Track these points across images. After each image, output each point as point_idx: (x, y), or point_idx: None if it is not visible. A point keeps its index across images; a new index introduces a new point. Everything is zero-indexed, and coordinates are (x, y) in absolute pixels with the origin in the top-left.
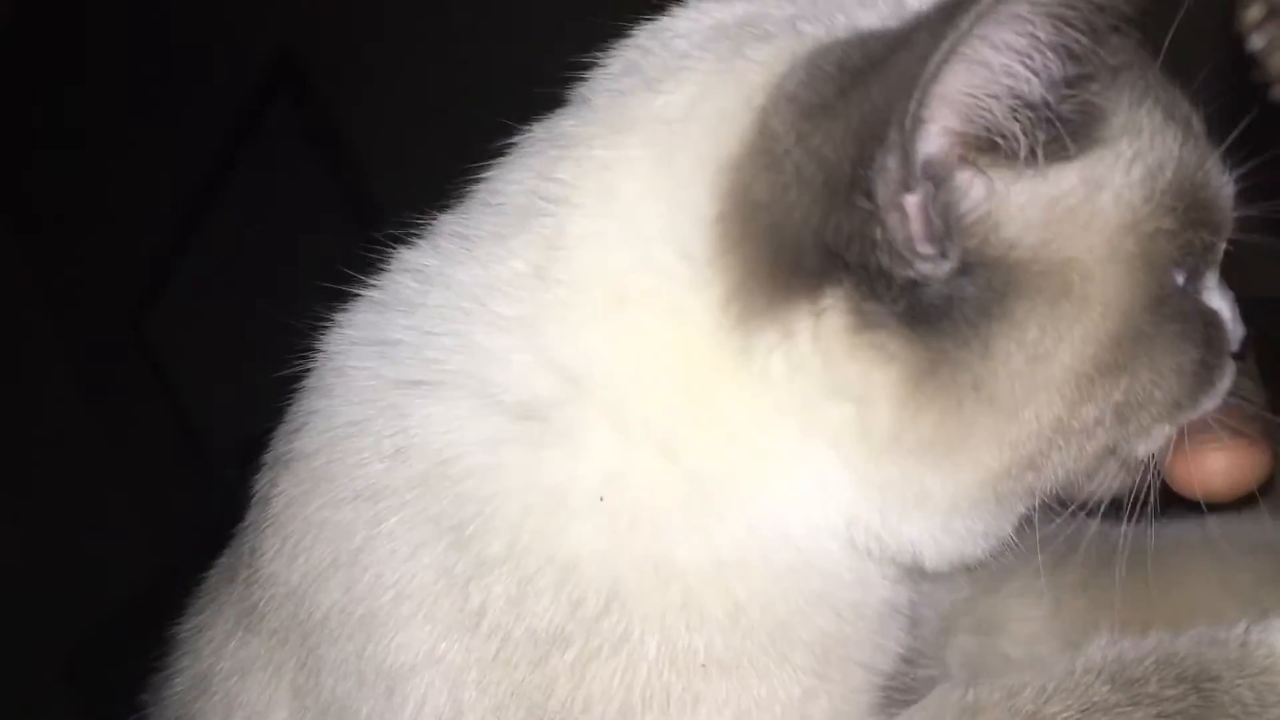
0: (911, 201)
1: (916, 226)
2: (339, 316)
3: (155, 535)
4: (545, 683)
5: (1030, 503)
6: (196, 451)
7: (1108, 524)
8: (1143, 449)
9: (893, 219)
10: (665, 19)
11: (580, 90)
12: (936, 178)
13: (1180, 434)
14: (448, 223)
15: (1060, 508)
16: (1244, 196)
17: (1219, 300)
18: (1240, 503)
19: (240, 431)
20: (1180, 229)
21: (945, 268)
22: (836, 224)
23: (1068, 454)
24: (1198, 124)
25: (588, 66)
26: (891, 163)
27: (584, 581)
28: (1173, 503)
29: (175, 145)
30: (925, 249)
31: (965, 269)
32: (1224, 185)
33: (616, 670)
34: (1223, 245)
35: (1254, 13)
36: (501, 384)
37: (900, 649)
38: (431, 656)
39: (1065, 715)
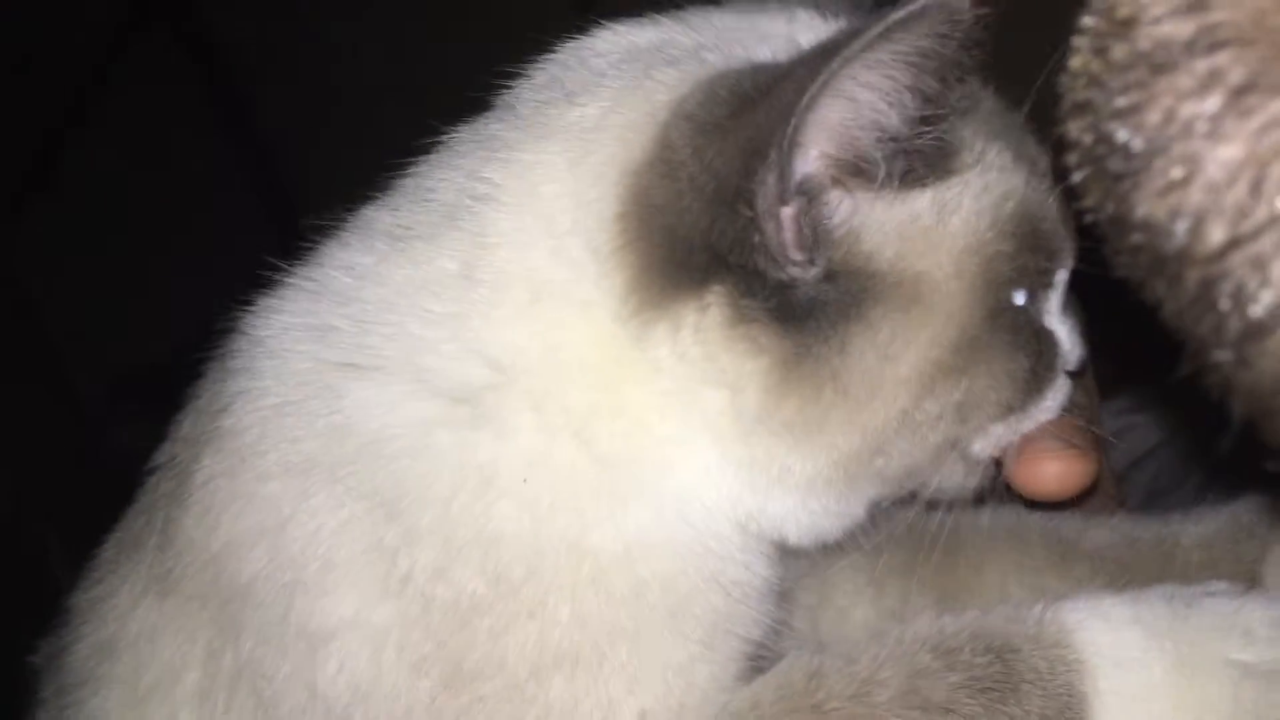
0: (786, 213)
1: (789, 235)
2: (266, 302)
3: (16, 471)
4: (464, 645)
5: (880, 489)
6: (62, 385)
7: (926, 513)
8: (980, 447)
9: (769, 227)
10: (586, 38)
11: (506, 98)
12: (810, 194)
13: (1021, 441)
14: (378, 218)
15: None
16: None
17: (1058, 324)
18: (1068, 504)
19: (111, 369)
20: (1019, 254)
21: (812, 273)
22: (721, 228)
23: (912, 443)
24: (1043, 164)
25: (512, 76)
26: (771, 178)
27: (507, 556)
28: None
29: (42, 65)
30: (796, 255)
31: (830, 276)
32: (1062, 216)
33: (531, 635)
34: (1062, 273)
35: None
36: (435, 370)
37: (771, 622)
38: (355, 621)
39: (895, 680)
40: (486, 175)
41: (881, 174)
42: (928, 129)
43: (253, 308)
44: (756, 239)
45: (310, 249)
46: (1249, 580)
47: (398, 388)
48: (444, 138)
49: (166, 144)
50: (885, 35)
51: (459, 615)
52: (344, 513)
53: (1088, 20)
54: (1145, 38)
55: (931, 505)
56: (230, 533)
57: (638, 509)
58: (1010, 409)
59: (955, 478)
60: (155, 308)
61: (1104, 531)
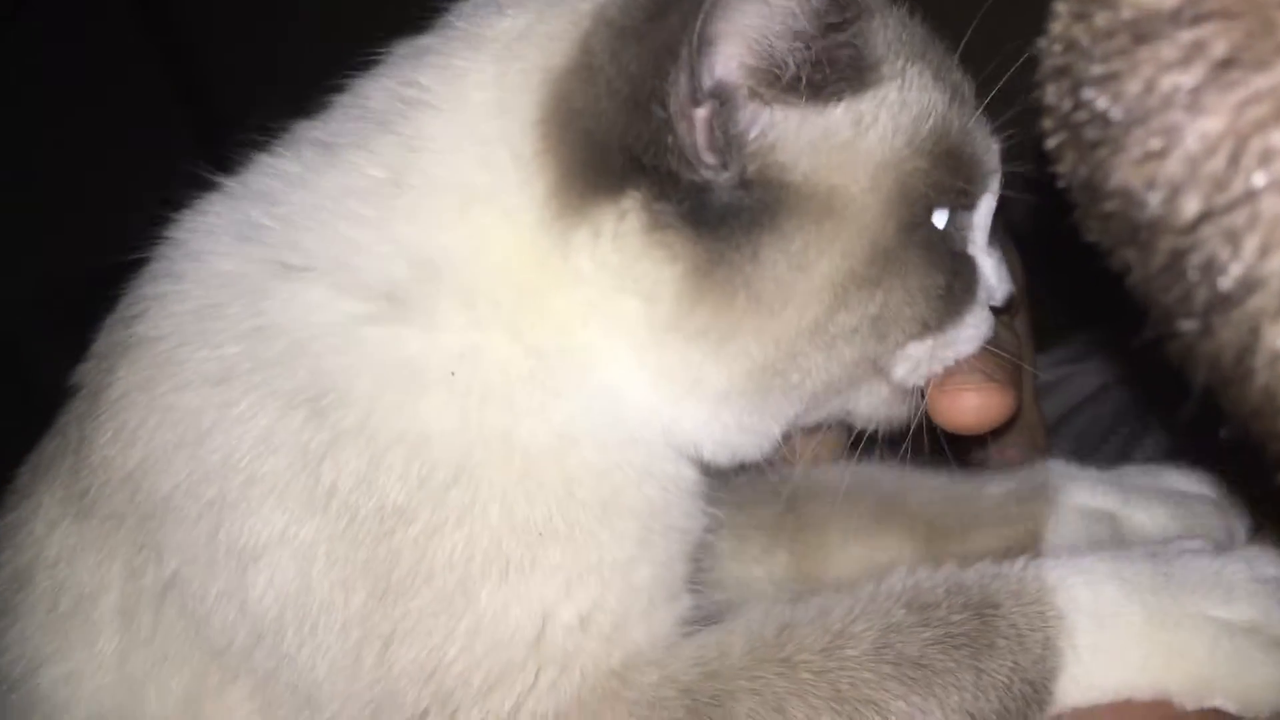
0: (699, 114)
1: (702, 137)
2: (192, 207)
3: None
4: (390, 557)
5: (798, 406)
6: None
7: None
8: (903, 373)
9: (682, 127)
10: None
11: (446, 16)
12: (723, 98)
13: (944, 374)
14: (309, 130)
15: (851, 448)
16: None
17: (982, 255)
18: (989, 435)
19: (27, 295)
20: (936, 172)
21: (725, 176)
22: (636, 130)
23: (828, 357)
24: (967, 91)
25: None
26: (682, 78)
27: (433, 455)
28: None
29: None
30: (709, 158)
31: (745, 184)
32: (986, 144)
33: (459, 542)
34: (984, 197)
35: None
36: (362, 269)
37: (707, 518)
38: (283, 537)
39: (868, 634)
40: (419, 80)
41: (795, 81)
42: (839, 34)
43: (181, 215)
44: (670, 140)
45: (240, 161)
46: (1034, 537)
47: (324, 286)
48: (380, 54)
49: (80, 57)
50: None
51: (384, 526)
52: (265, 420)
53: None
54: (1129, 6)
55: (861, 433)
56: (148, 447)
57: (568, 401)
58: (926, 326)
59: (880, 405)
60: (70, 230)
61: (926, 490)
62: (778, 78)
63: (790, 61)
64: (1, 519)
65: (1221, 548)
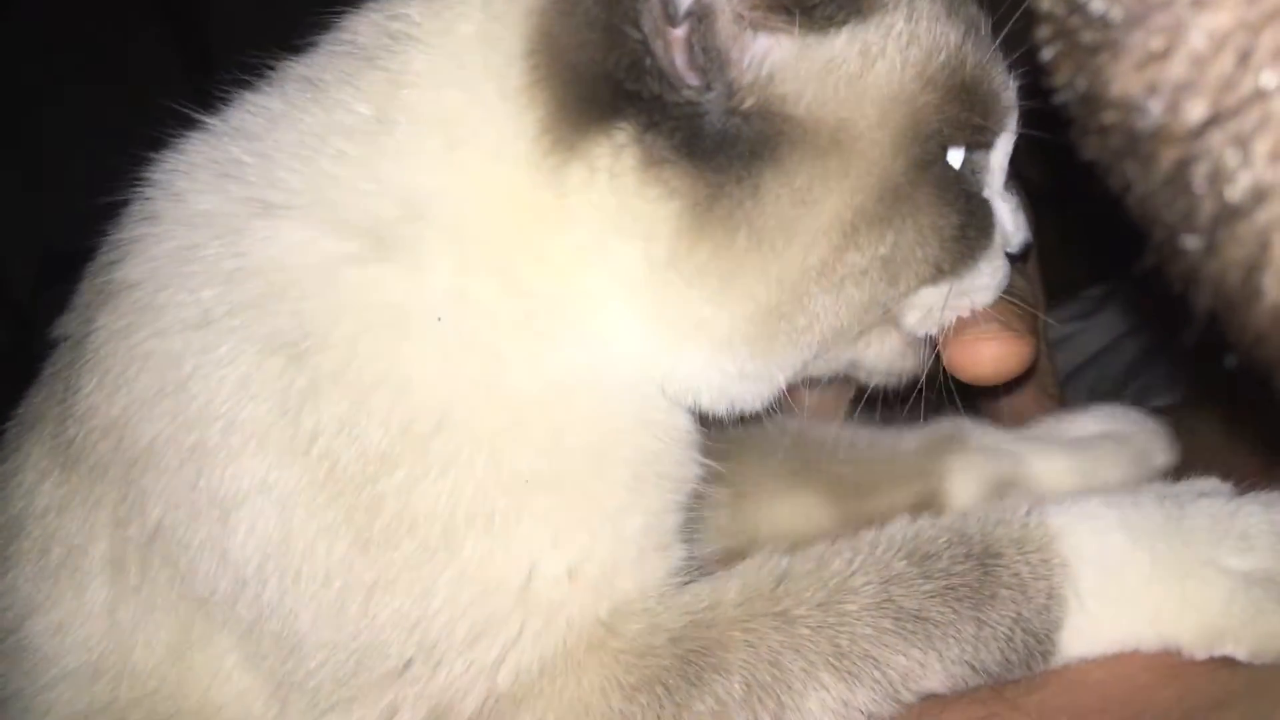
0: (676, 34)
1: (680, 56)
2: (173, 146)
3: None
4: (372, 504)
5: (803, 353)
6: None
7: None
8: (914, 321)
9: (658, 46)
10: None
11: None
12: (702, 16)
13: (958, 324)
14: (294, 68)
15: (867, 406)
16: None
17: (998, 199)
18: (1004, 388)
19: (37, 250)
20: (949, 107)
21: (710, 97)
22: (617, 56)
23: (837, 299)
24: (983, 26)
25: None
26: None
27: (416, 402)
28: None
29: None
30: (690, 77)
31: (744, 115)
32: (1003, 81)
33: (443, 491)
34: (1002, 136)
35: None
36: (345, 206)
37: (700, 469)
38: (264, 484)
39: (868, 586)
40: (405, 13)
41: (781, 4)
42: None
43: (160, 154)
44: (648, 62)
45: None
46: (937, 491)
47: (305, 225)
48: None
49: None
50: None
51: (366, 473)
52: (244, 365)
53: None
54: None
55: (864, 387)
56: (130, 395)
57: (560, 348)
58: (940, 270)
59: (889, 356)
60: (79, 188)
61: (842, 448)
62: (775, 5)
63: None
64: None
65: (1151, 488)
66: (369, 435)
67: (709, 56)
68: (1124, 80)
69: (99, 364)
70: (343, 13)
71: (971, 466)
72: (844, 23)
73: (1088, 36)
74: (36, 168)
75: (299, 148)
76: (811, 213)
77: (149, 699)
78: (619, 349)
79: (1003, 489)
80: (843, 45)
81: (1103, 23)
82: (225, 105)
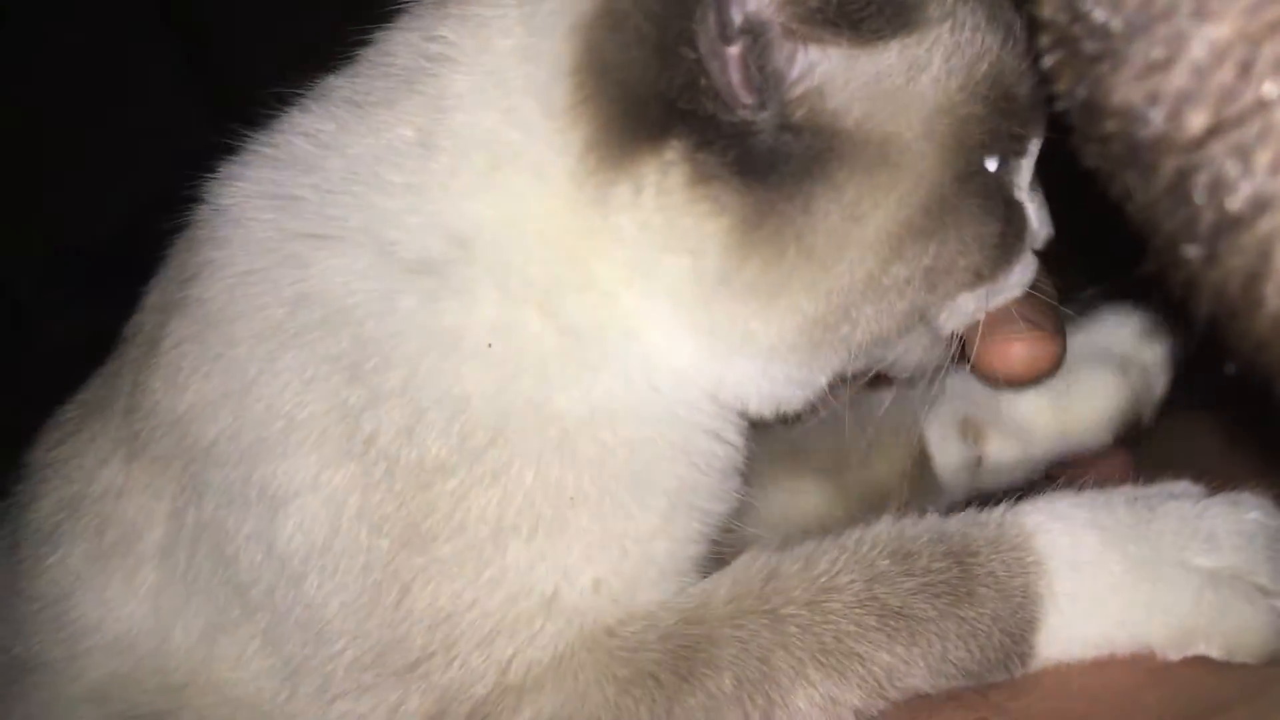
0: (731, 53)
1: (736, 75)
2: (230, 170)
3: None
4: (425, 506)
5: (845, 358)
6: None
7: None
8: (945, 320)
9: (714, 66)
10: None
11: None
12: (756, 34)
13: (986, 322)
14: (339, 87)
15: (871, 383)
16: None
17: (1027, 199)
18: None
19: (38, 255)
20: (992, 118)
21: (764, 116)
22: (670, 75)
23: (880, 308)
24: (1020, 30)
25: None
26: (710, 16)
27: (473, 418)
28: None
29: None
30: (745, 96)
31: (793, 130)
32: (1036, 85)
33: (494, 498)
34: (1034, 141)
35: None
36: (398, 242)
37: (734, 502)
38: (315, 482)
39: (853, 584)
40: (442, 34)
41: (834, 16)
42: None
43: (217, 176)
44: (703, 81)
45: (272, 117)
46: (917, 455)
47: (362, 258)
48: (407, 5)
49: (89, 25)
50: None
51: (422, 477)
52: (308, 374)
53: None
54: None
55: (883, 380)
56: (197, 394)
57: (605, 375)
58: (980, 277)
59: (917, 352)
60: (80, 188)
61: (830, 419)
62: (813, 12)
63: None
64: (50, 449)
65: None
66: (428, 443)
67: (764, 74)
68: (1125, 90)
69: (169, 366)
70: (365, 23)
71: (943, 414)
72: (891, 36)
73: (1089, 46)
74: (37, 167)
75: (349, 178)
76: (860, 227)
77: (171, 672)
78: (667, 365)
79: (976, 430)
80: (890, 58)
81: (1104, 32)
82: (273, 123)
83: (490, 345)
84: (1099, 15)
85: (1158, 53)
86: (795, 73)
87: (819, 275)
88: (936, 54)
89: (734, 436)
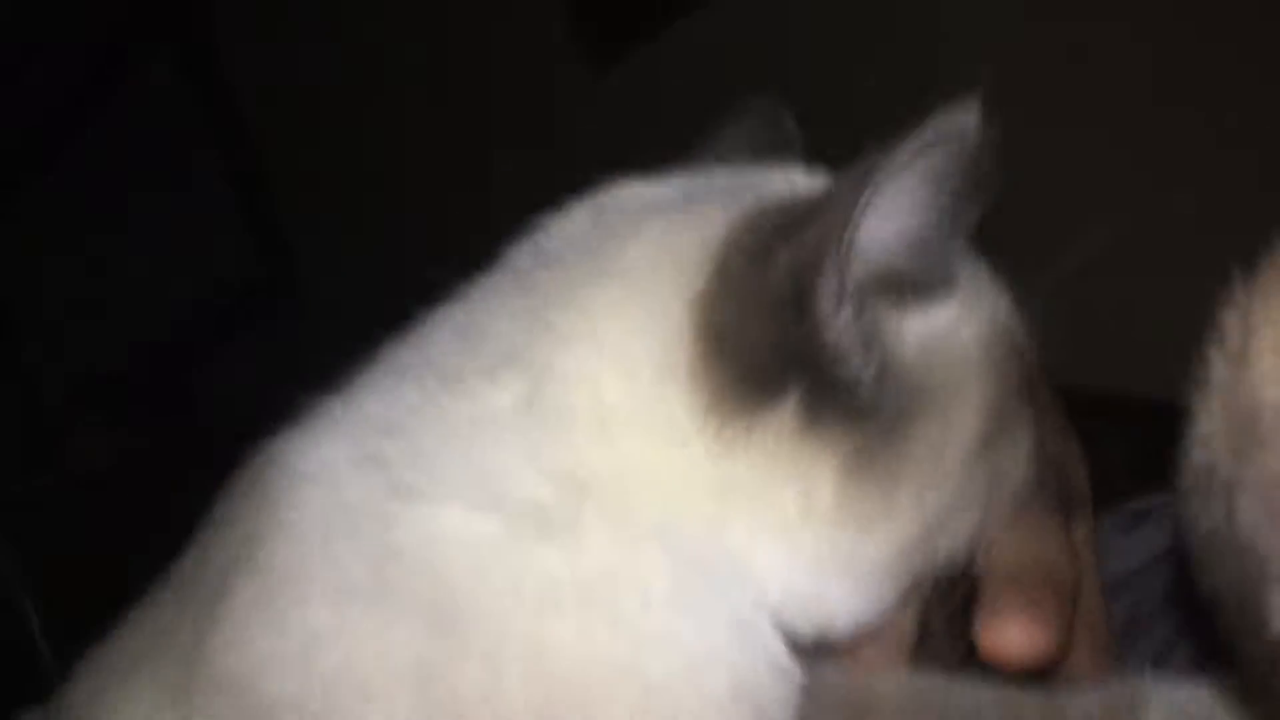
0: (844, 316)
1: (847, 337)
2: (303, 434)
3: None
4: None
5: (925, 570)
6: (19, 378)
7: None
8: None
9: (829, 330)
10: (615, 186)
11: (539, 236)
12: (862, 299)
13: (986, 592)
14: (419, 351)
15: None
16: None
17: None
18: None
19: (70, 375)
20: (1008, 356)
21: (869, 373)
22: (789, 339)
23: (961, 521)
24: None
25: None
26: (828, 287)
27: (558, 679)
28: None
29: (45, 61)
30: (855, 357)
31: (883, 379)
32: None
33: None
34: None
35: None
36: (500, 490)
37: None
38: None
39: None
40: (543, 311)
41: (913, 283)
42: (945, 245)
43: (286, 438)
44: (819, 342)
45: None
46: None
47: (456, 509)
48: (482, 278)
49: (144, 151)
50: (916, 155)
51: None
52: (387, 631)
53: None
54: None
55: (922, 630)
56: (261, 653)
57: (704, 629)
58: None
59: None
60: (115, 314)
61: (996, 712)
62: (902, 281)
63: (912, 269)
64: (87, 679)
65: None
66: (507, 703)
67: (869, 336)
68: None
69: (233, 626)
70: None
71: None
72: (948, 297)
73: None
74: (71, 293)
75: (443, 440)
76: (942, 457)
77: None
78: (760, 609)
79: None
80: (950, 314)
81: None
82: (343, 391)
83: (589, 596)
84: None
85: None
86: (888, 333)
87: (914, 504)
88: (970, 308)
89: (799, 676)
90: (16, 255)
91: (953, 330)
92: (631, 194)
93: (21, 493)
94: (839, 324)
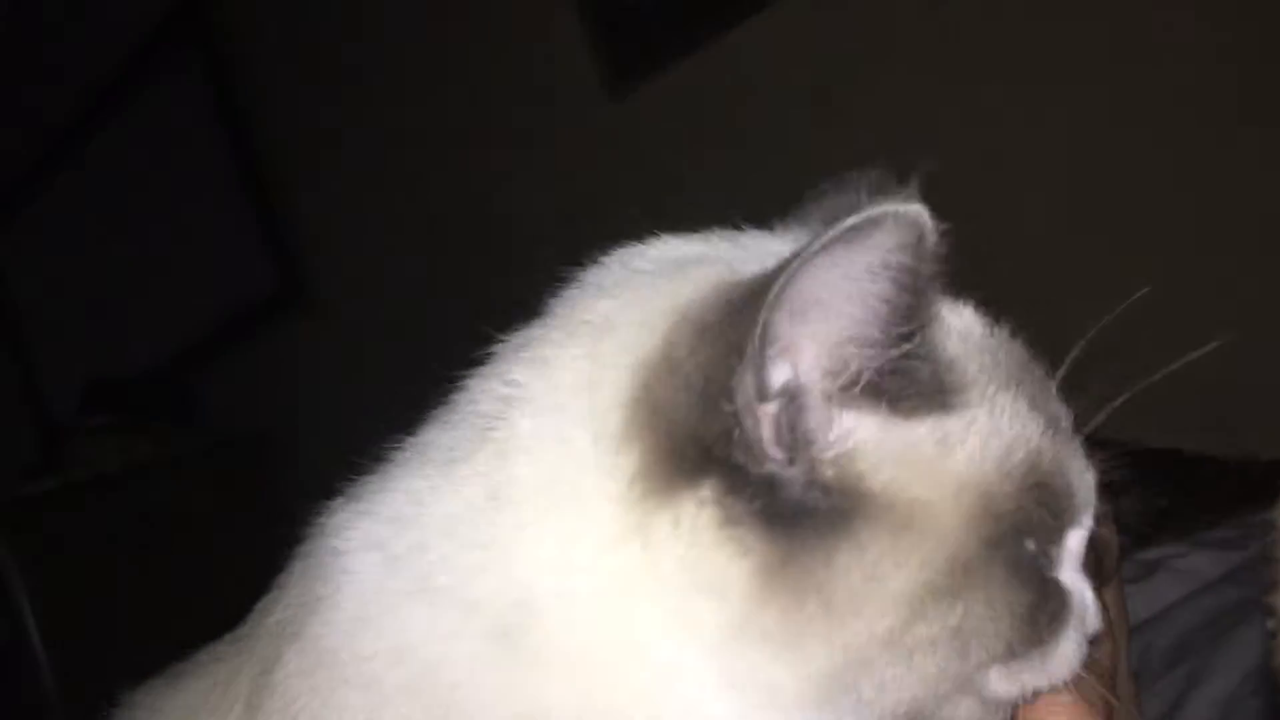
0: (766, 410)
1: (767, 431)
2: (345, 513)
3: None
4: None
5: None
6: (28, 381)
7: None
8: (998, 689)
9: (748, 422)
10: (640, 245)
11: (552, 302)
12: (793, 396)
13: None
14: (432, 440)
15: None
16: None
17: (1076, 580)
18: None
19: (80, 373)
20: (1024, 500)
21: (792, 473)
22: (709, 423)
23: (908, 669)
24: (1065, 421)
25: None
26: (748, 375)
27: None
28: None
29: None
30: (775, 452)
31: (822, 487)
32: (1082, 476)
33: None
34: (1074, 530)
35: None
36: (478, 603)
37: None
38: None
39: None
40: (514, 377)
41: (870, 388)
42: (908, 344)
43: (333, 515)
44: (736, 433)
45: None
46: None
47: (449, 618)
48: (494, 348)
49: (151, 155)
50: (842, 238)
51: None
52: None
53: None
54: None
55: None
56: None
57: None
58: (1012, 650)
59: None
60: (127, 321)
61: None
62: (852, 383)
63: (861, 368)
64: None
65: None
66: None
67: (795, 434)
68: None
69: (283, 694)
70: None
71: None
72: (928, 414)
73: None
74: (84, 300)
75: (436, 539)
76: (880, 586)
77: None
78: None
79: None
80: (925, 432)
81: None
82: (379, 470)
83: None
84: None
85: None
86: (831, 436)
87: (836, 629)
88: (973, 434)
89: None
90: (23, 258)
91: (939, 452)
92: (655, 250)
93: (24, 494)
94: (757, 417)
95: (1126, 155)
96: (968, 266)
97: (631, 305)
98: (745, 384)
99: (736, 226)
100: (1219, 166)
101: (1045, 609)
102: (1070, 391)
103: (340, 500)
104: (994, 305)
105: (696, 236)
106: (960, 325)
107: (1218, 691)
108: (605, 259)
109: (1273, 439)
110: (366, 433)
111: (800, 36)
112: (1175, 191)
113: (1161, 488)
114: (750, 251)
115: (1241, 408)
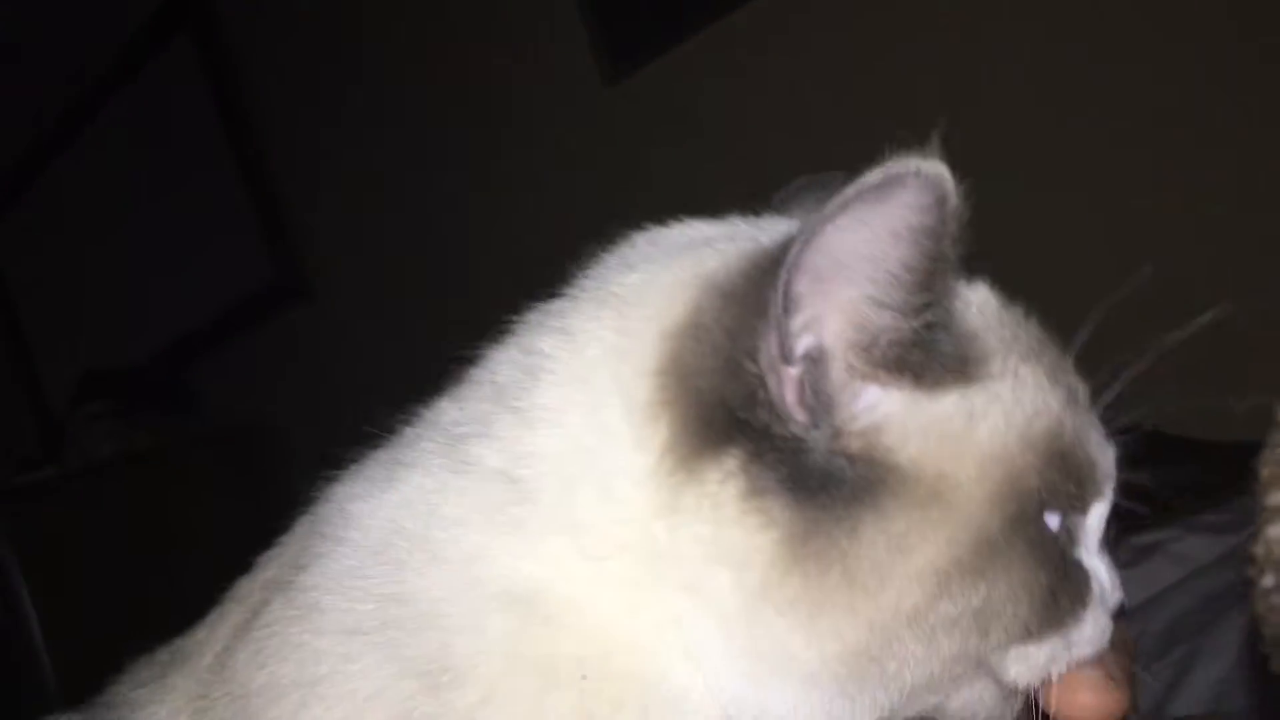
0: (790, 372)
1: (791, 393)
2: (356, 477)
3: None
4: None
5: (894, 699)
6: (26, 372)
7: None
8: (1017, 673)
9: (772, 382)
10: (664, 227)
11: (577, 278)
12: (817, 359)
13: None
14: (446, 411)
15: None
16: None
17: (1095, 560)
18: None
19: (77, 364)
20: (1048, 473)
21: (815, 435)
22: (734, 387)
23: (929, 648)
24: (1082, 395)
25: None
26: (771, 336)
27: None
28: None
29: (60, 60)
30: (798, 414)
31: (848, 457)
32: (1102, 449)
33: None
34: (1097, 503)
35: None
36: (490, 576)
37: None
38: None
39: None
40: (539, 348)
41: (894, 359)
42: (928, 314)
43: (343, 477)
44: (761, 394)
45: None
46: None
47: (459, 578)
48: (514, 322)
49: (163, 154)
50: (863, 197)
51: None
52: (378, 680)
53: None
54: None
55: None
56: (270, 676)
57: (687, 710)
58: (1029, 630)
59: (987, 704)
60: (125, 312)
61: None
62: (874, 352)
63: (884, 336)
64: (131, 690)
65: None
66: None
67: (818, 398)
68: None
69: (257, 643)
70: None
71: None
72: (952, 385)
73: None
74: (81, 291)
75: (448, 513)
76: (907, 559)
77: None
78: (706, 691)
79: None
80: (950, 405)
81: None
82: (393, 435)
83: (584, 676)
84: None
85: None
86: (855, 406)
87: (861, 602)
88: (996, 406)
89: None
90: (22, 249)
91: (965, 425)
92: (681, 231)
93: (22, 484)
94: (781, 379)
95: (1125, 150)
96: (976, 249)
97: (658, 277)
98: (769, 344)
99: (755, 213)
100: (1218, 166)
101: (1066, 590)
102: (1082, 369)
103: (349, 469)
104: (1002, 290)
105: (719, 220)
106: (978, 298)
107: (1213, 673)
108: (632, 237)
109: (1268, 424)
110: (364, 423)
111: (797, 22)
112: (1177, 180)
113: (1157, 470)
114: (770, 233)
115: (1237, 392)
